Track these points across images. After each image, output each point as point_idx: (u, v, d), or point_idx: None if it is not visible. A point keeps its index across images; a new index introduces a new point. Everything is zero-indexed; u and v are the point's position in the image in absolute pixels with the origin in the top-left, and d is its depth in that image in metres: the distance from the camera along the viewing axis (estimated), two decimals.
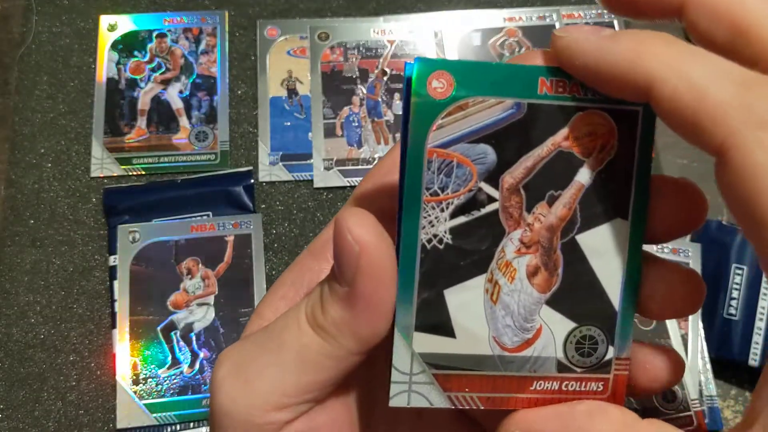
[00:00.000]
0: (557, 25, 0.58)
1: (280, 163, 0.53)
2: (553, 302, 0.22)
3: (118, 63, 0.55)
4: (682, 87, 0.18)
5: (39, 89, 0.54)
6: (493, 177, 0.21)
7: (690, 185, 0.22)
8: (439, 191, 0.20)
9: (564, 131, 0.21)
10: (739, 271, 0.48)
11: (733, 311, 0.48)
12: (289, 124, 0.54)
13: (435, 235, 0.21)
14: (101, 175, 0.52)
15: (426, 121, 0.20)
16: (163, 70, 0.55)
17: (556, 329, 0.22)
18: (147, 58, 0.55)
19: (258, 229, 0.50)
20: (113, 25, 0.56)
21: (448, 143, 0.20)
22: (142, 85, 0.55)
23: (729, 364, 0.48)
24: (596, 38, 0.19)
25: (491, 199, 0.21)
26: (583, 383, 0.22)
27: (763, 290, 0.47)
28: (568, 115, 0.21)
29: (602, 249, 0.22)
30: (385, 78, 0.56)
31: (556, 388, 0.22)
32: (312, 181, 0.52)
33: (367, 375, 0.24)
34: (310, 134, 0.54)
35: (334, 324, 0.20)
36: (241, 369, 0.21)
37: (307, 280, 0.24)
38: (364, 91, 0.55)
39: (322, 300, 0.21)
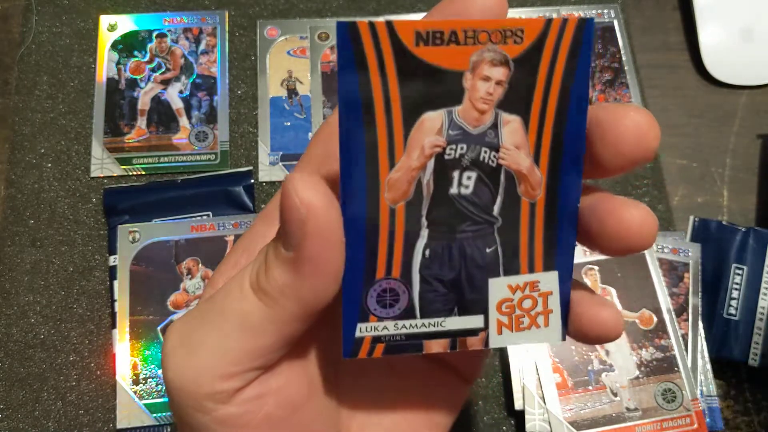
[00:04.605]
0: None
1: (280, 163, 0.53)
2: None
3: (118, 63, 0.55)
4: None
5: (39, 89, 0.54)
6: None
7: (633, 109, 0.21)
8: None
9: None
10: (739, 271, 0.48)
11: (733, 311, 0.48)
12: (289, 124, 0.54)
13: None
14: (101, 175, 0.52)
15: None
16: (163, 70, 0.55)
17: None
18: (147, 58, 0.55)
19: None
20: (113, 25, 0.56)
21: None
22: (142, 85, 0.55)
23: (729, 364, 0.48)
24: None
25: None
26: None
27: (763, 290, 0.47)
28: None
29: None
30: None
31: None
32: None
33: (326, 333, 0.24)
34: (310, 134, 0.54)
35: (278, 288, 0.20)
36: (185, 339, 0.21)
37: (259, 246, 0.24)
38: None
39: (267, 263, 0.20)
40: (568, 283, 0.23)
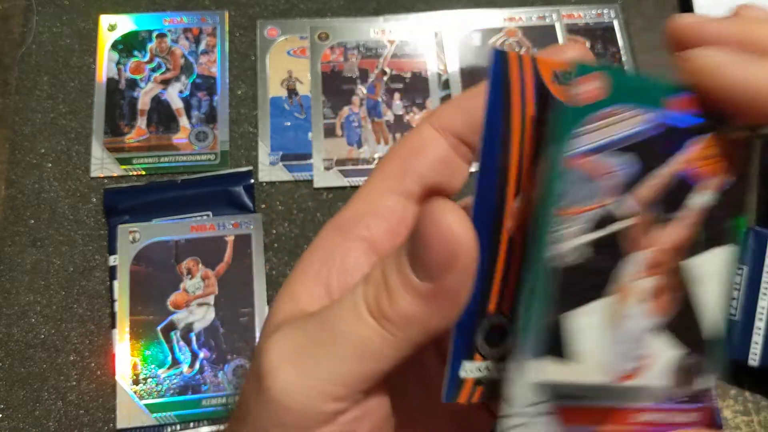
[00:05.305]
0: (557, 26, 0.58)
1: (280, 163, 0.53)
2: (664, 328, 0.21)
3: (118, 63, 0.55)
4: None
5: (39, 89, 0.54)
6: (621, 194, 0.20)
7: None
8: (570, 204, 0.19)
9: (686, 152, 0.20)
10: (739, 271, 0.48)
11: (733, 311, 0.48)
12: (289, 124, 0.54)
13: (560, 253, 0.19)
14: (101, 175, 0.52)
15: (567, 126, 0.19)
16: (163, 70, 0.55)
17: (664, 357, 0.21)
18: (147, 58, 0.55)
19: (258, 229, 0.50)
20: (113, 25, 0.56)
21: (585, 153, 0.19)
22: (142, 85, 0.55)
23: (729, 364, 0.48)
24: (744, 62, 0.19)
25: (616, 218, 0.20)
26: (684, 414, 0.21)
27: (763, 290, 0.47)
28: (691, 136, 0.20)
29: (709, 275, 0.21)
30: (385, 78, 0.56)
31: (659, 419, 0.21)
32: (312, 181, 0.52)
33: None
34: (310, 134, 0.54)
35: (405, 316, 0.20)
36: (295, 359, 0.21)
37: (338, 260, 0.23)
38: (364, 91, 0.55)
39: (390, 290, 0.20)
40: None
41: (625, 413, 0.20)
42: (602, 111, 0.19)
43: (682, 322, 0.21)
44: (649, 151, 0.20)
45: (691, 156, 0.20)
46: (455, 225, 0.19)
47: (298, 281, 0.24)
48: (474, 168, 0.21)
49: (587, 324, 0.20)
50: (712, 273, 0.21)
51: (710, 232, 0.21)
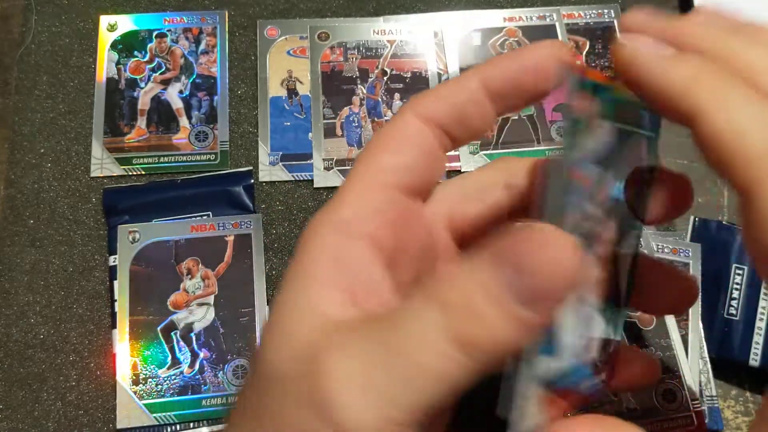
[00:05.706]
0: (557, 26, 0.58)
1: (280, 163, 0.53)
2: (600, 306, 0.23)
3: (117, 63, 0.55)
4: (724, 126, 0.19)
5: (39, 89, 0.54)
6: (595, 198, 0.22)
7: (680, 176, 0.24)
8: (572, 212, 0.21)
9: (625, 155, 0.23)
10: (740, 271, 0.48)
11: (733, 311, 0.48)
12: (289, 124, 0.54)
13: None
14: (101, 175, 0.52)
15: (572, 141, 0.20)
16: (163, 70, 0.55)
17: (597, 331, 0.23)
18: (147, 58, 0.55)
19: (258, 229, 0.50)
20: (113, 25, 0.56)
21: (580, 165, 0.21)
22: (142, 85, 0.55)
23: (729, 364, 0.48)
24: (657, 56, 0.21)
25: (590, 220, 0.22)
26: (596, 377, 0.24)
27: (763, 290, 0.47)
28: (626, 140, 0.23)
29: (623, 256, 0.24)
30: (385, 78, 0.56)
31: (584, 387, 0.23)
32: (312, 181, 0.52)
33: None
34: (310, 134, 0.54)
35: (497, 343, 0.19)
36: (360, 381, 0.20)
37: (351, 264, 0.23)
38: (364, 91, 0.55)
39: (482, 317, 0.19)
40: None
41: (572, 388, 0.23)
42: (590, 125, 0.21)
43: (609, 298, 0.23)
44: (611, 157, 0.22)
45: (631, 156, 0.23)
46: (574, 260, 0.18)
47: (313, 288, 0.22)
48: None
49: (569, 318, 0.22)
50: (625, 254, 0.24)
51: (628, 221, 0.24)
